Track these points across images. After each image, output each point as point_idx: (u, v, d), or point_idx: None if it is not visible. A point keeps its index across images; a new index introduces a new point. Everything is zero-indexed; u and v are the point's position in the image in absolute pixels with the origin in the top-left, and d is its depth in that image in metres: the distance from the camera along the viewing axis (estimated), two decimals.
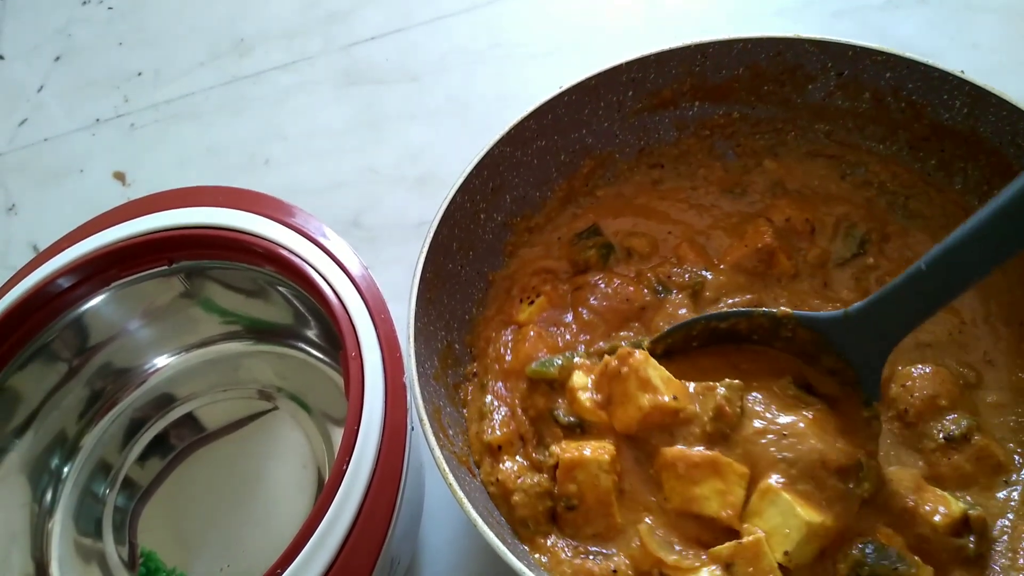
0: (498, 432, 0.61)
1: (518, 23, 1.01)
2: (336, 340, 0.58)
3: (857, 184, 0.71)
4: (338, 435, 0.66)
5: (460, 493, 0.51)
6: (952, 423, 0.57)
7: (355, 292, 0.58)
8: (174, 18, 1.12)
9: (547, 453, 0.60)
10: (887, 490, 0.54)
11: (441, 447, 0.53)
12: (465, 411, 0.64)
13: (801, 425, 0.54)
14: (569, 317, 0.67)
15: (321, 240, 0.61)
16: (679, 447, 0.55)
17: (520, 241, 0.72)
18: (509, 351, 0.66)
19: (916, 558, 0.51)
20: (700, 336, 0.62)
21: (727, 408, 0.55)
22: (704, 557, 0.53)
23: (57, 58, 1.12)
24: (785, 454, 0.53)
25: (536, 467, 0.60)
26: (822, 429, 0.54)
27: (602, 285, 0.67)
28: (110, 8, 1.15)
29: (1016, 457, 0.56)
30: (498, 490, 0.59)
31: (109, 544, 0.65)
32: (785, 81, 0.71)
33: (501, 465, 0.60)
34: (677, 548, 0.54)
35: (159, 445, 0.69)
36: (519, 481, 0.58)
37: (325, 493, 0.50)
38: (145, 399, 0.70)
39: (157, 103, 1.03)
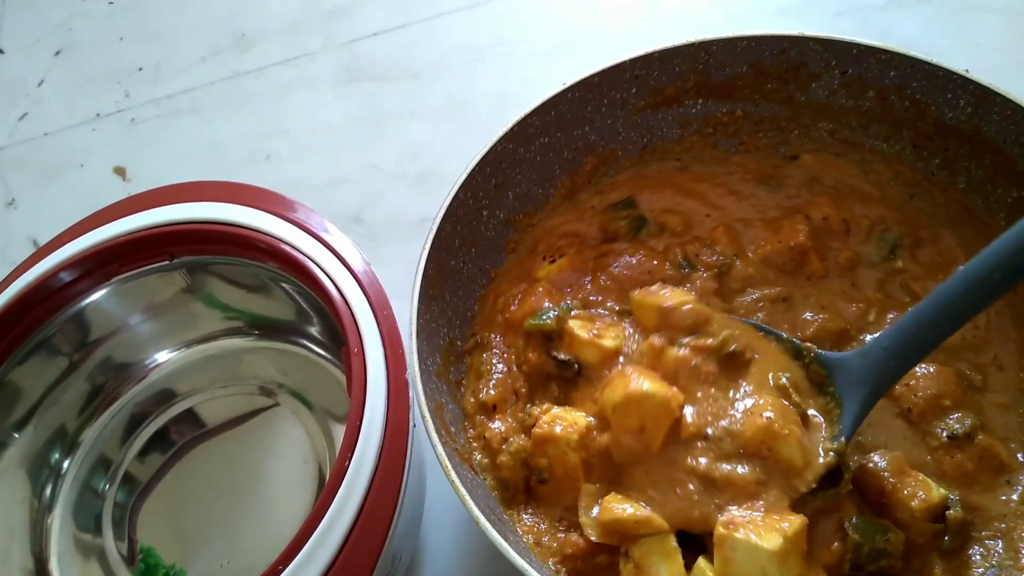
0: (492, 392, 0.62)
1: (519, 21, 1.00)
2: (338, 337, 0.58)
3: (880, 182, 0.70)
4: (339, 432, 0.66)
5: (463, 490, 0.51)
6: (956, 422, 0.57)
7: (357, 288, 0.58)
8: (175, 13, 1.11)
9: (528, 414, 0.60)
10: (866, 471, 0.54)
11: (443, 444, 0.53)
12: (464, 391, 0.64)
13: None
14: (586, 280, 0.68)
15: (323, 236, 0.61)
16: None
17: (523, 238, 0.72)
18: (516, 303, 0.66)
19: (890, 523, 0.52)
20: None
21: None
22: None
23: (57, 52, 1.11)
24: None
25: (522, 427, 0.60)
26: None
27: (627, 256, 0.68)
28: (111, 3, 1.15)
29: (1020, 456, 0.56)
30: (484, 449, 0.60)
31: (109, 540, 0.65)
32: (789, 79, 0.71)
33: (491, 424, 0.61)
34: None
35: (159, 441, 0.69)
36: (505, 445, 0.59)
37: (327, 490, 0.49)
38: (145, 394, 0.70)
39: (158, 98, 1.02)
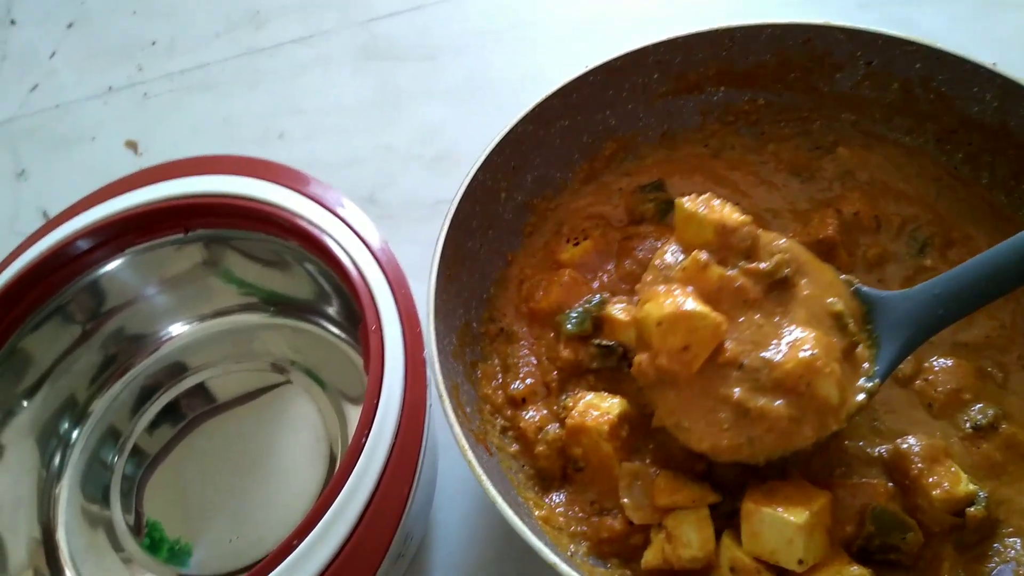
0: (523, 385, 0.62)
1: (536, 4, 1.00)
2: (356, 318, 0.57)
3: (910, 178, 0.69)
4: (352, 412, 0.66)
5: (480, 471, 0.50)
6: (979, 412, 0.56)
7: (375, 264, 0.58)
8: None
9: (562, 406, 0.60)
10: (897, 452, 0.54)
11: (460, 424, 0.53)
12: (479, 373, 0.63)
13: None
14: (610, 265, 0.68)
15: (340, 212, 0.61)
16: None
17: (540, 222, 0.71)
18: (542, 290, 0.66)
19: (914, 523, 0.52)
20: None
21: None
22: None
23: (70, 25, 1.10)
24: None
25: (557, 418, 0.60)
26: None
27: (652, 239, 0.67)
28: None
29: None
30: (520, 441, 0.60)
31: (116, 512, 0.65)
32: (813, 69, 0.71)
33: (524, 414, 0.61)
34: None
35: (169, 414, 0.68)
36: (540, 434, 0.59)
37: (343, 466, 0.49)
38: (157, 367, 0.69)
39: (171, 73, 1.02)
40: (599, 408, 0.58)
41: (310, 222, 0.59)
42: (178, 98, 0.99)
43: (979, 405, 0.57)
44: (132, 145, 0.96)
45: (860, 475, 0.55)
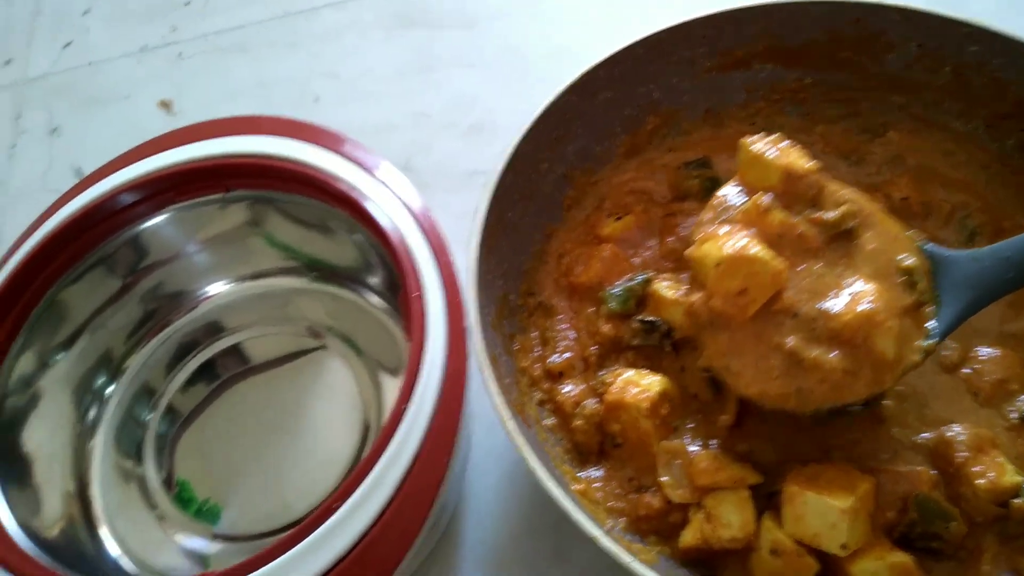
0: (561, 359, 0.62)
1: None
2: (397, 288, 0.57)
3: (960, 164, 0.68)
4: (388, 382, 0.65)
5: (521, 440, 0.50)
6: None
7: (418, 230, 0.57)
8: None
9: (601, 382, 0.60)
10: (942, 439, 0.53)
11: (501, 394, 0.52)
12: (517, 345, 0.63)
13: None
14: (652, 242, 0.67)
15: (382, 176, 0.60)
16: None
17: (580, 195, 0.70)
18: (582, 264, 0.65)
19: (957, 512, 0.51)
20: None
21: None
22: None
23: None
24: None
25: (594, 393, 0.60)
26: None
27: (696, 217, 0.65)
28: None
29: None
30: (556, 414, 0.59)
31: (150, 469, 0.65)
32: (863, 49, 0.69)
33: (561, 388, 0.60)
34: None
35: (204, 373, 0.68)
36: (578, 408, 0.59)
37: (384, 431, 0.49)
38: (194, 325, 0.69)
39: (206, 34, 1.01)
40: (639, 385, 0.57)
41: (352, 186, 0.58)
42: (212, 59, 0.99)
43: None
44: (166, 105, 0.95)
45: (904, 462, 0.54)
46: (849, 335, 0.49)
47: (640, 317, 0.61)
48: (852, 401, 0.50)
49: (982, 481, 0.51)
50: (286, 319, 0.69)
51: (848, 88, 0.72)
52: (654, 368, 0.60)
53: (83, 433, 0.65)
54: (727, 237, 0.51)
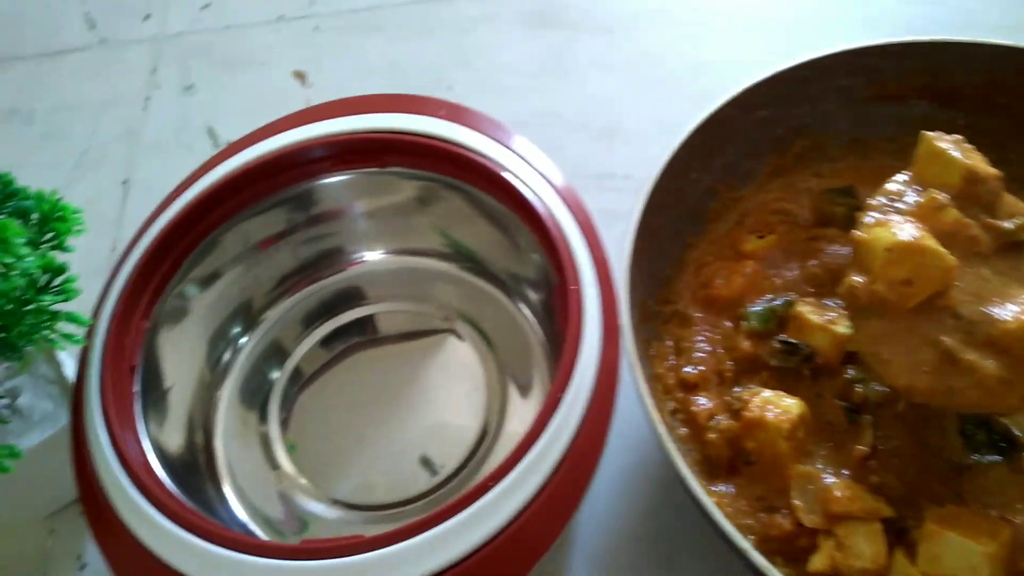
0: (696, 370, 0.62)
1: None
2: (545, 285, 0.57)
3: None
4: (513, 391, 0.66)
5: (670, 444, 0.50)
6: None
7: (577, 230, 0.58)
8: None
9: (737, 398, 0.60)
10: None
11: (653, 395, 0.52)
12: (653, 351, 0.63)
13: None
14: (793, 264, 0.67)
15: (551, 178, 0.61)
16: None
17: (723, 209, 0.71)
18: (722, 278, 0.66)
19: None
20: None
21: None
22: None
23: None
24: None
25: (728, 408, 0.59)
26: None
27: (839, 244, 0.66)
28: None
29: None
30: (689, 425, 0.59)
31: (274, 427, 0.66)
32: (1022, 96, 0.68)
33: (695, 398, 0.60)
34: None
35: (334, 338, 0.69)
36: (712, 422, 0.58)
37: (540, 417, 0.49)
38: (338, 287, 0.71)
39: (343, 11, 1.03)
40: (779, 406, 0.57)
41: (521, 180, 0.59)
42: (348, 36, 1.00)
43: None
44: (300, 76, 0.97)
45: None
46: (1008, 343, 0.48)
47: (783, 338, 0.61)
48: (1004, 412, 0.49)
49: None
50: (424, 298, 0.70)
51: (1001, 134, 0.70)
52: (789, 391, 0.60)
53: (212, 383, 0.67)
54: (901, 225, 0.50)
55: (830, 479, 0.55)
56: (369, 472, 0.63)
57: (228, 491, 0.63)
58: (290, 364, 0.68)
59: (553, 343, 0.65)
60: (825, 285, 0.65)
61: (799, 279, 0.66)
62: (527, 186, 0.59)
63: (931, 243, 0.49)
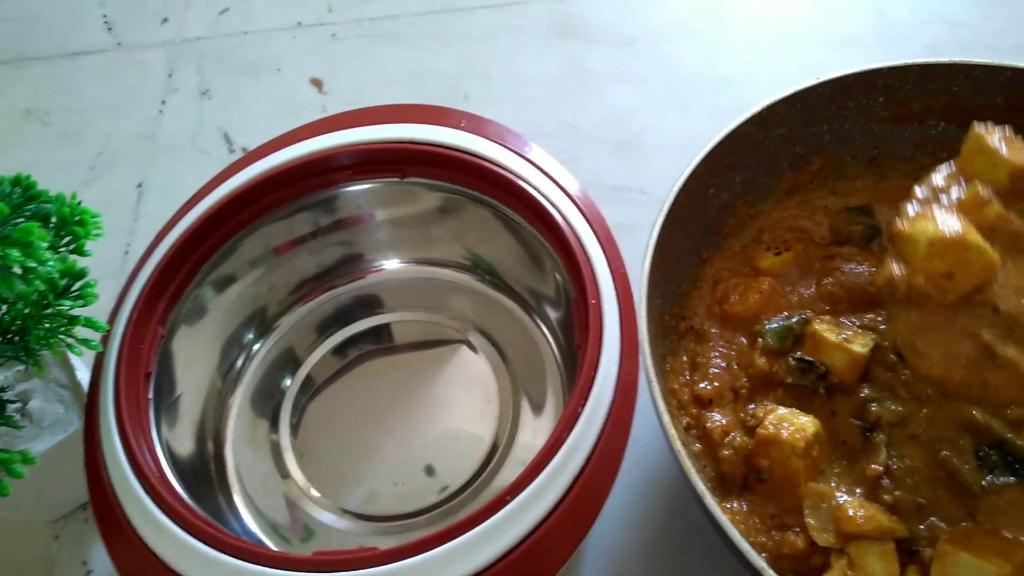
0: (710, 387, 0.61)
1: (738, 8, 0.98)
2: (564, 299, 0.57)
3: None
4: (525, 404, 0.66)
5: (688, 461, 0.50)
6: None
7: (597, 246, 0.58)
8: None
9: (751, 415, 0.59)
10: None
11: (670, 411, 0.52)
12: (668, 366, 0.63)
13: None
14: (809, 281, 0.67)
15: (571, 191, 0.61)
16: None
17: (739, 225, 0.70)
18: (738, 294, 0.65)
19: None
20: None
21: None
22: None
23: None
24: None
25: (742, 425, 0.59)
26: None
27: (856, 263, 0.66)
28: None
29: None
30: (703, 441, 0.59)
31: (285, 436, 0.66)
32: None
33: (710, 415, 0.60)
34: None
35: (347, 346, 0.69)
36: (727, 439, 0.58)
37: (558, 432, 0.49)
38: (355, 294, 0.71)
39: (361, 19, 1.03)
40: (794, 424, 0.57)
41: (540, 191, 0.59)
42: (365, 44, 1.00)
43: None
44: (317, 83, 0.97)
45: None
46: None
47: (798, 355, 0.60)
48: None
49: None
50: (439, 308, 0.70)
51: None
52: (803, 408, 0.60)
53: (224, 390, 0.66)
54: (943, 219, 0.50)
55: (843, 498, 0.55)
56: (378, 482, 0.63)
57: (238, 499, 0.63)
58: (302, 372, 0.68)
59: (568, 360, 0.65)
60: (841, 303, 0.65)
61: (815, 297, 0.66)
62: (546, 198, 0.59)
63: (975, 238, 0.48)
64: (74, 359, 0.63)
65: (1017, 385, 0.48)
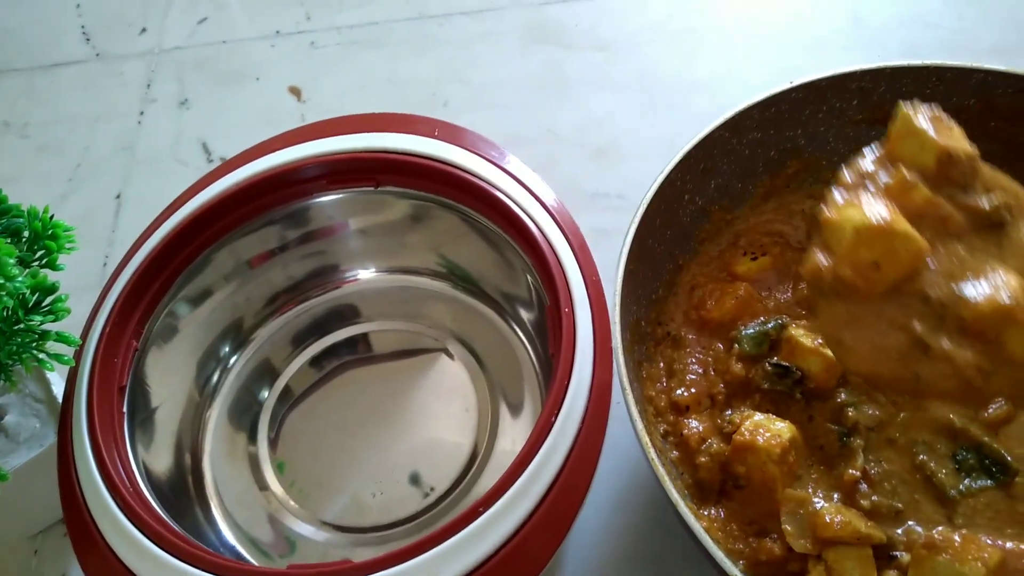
0: (687, 393, 0.61)
1: (713, 12, 0.98)
2: (538, 305, 0.57)
3: None
4: (505, 398, 0.66)
5: (662, 470, 0.50)
6: None
7: (570, 251, 0.58)
8: None
9: (728, 421, 0.59)
10: None
11: (643, 419, 0.52)
12: (644, 373, 0.63)
13: None
14: (786, 286, 0.67)
15: (540, 194, 0.61)
16: None
17: (715, 230, 0.70)
18: (714, 300, 0.65)
19: None
20: None
21: None
22: None
23: None
24: None
25: (719, 431, 0.59)
26: None
27: None
28: None
29: None
30: (680, 448, 0.59)
31: (263, 448, 0.66)
32: (1016, 121, 0.68)
33: (687, 421, 0.60)
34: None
35: (324, 357, 0.69)
36: (704, 445, 0.58)
37: (531, 442, 0.49)
38: (330, 305, 0.70)
39: (340, 26, 1.03)
40: (770, 430, 0.57)
41: (514, 201, 0.59)
42: (344, 52, 1.00)
43: None
44: (295, 91, 0.97)
45: None
46: (980, 327, 0.46)
47: (775, 361, 0.61)
48: (979, 404, 0.49)
49: None
50: (416, 317, 0.70)
51: (994, 159, 0.70)
52: (781, 414, 0.60)
53: (201, 403, 0.66)
54: (872, 206, 0.47)
55: (820, 503, 0.55)
56: (358, 493, 0.63)
57: (216, 512, 0.63)
58: (280, 383, 0.68)
59: (545, 364, 0.65)
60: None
61: (792, 302, 0.66)
62: (520, 207, 0.59)
63: (902, 225, 0.46)
64: (51, 373, 0.63)
65: (956, 380, 0.47)
